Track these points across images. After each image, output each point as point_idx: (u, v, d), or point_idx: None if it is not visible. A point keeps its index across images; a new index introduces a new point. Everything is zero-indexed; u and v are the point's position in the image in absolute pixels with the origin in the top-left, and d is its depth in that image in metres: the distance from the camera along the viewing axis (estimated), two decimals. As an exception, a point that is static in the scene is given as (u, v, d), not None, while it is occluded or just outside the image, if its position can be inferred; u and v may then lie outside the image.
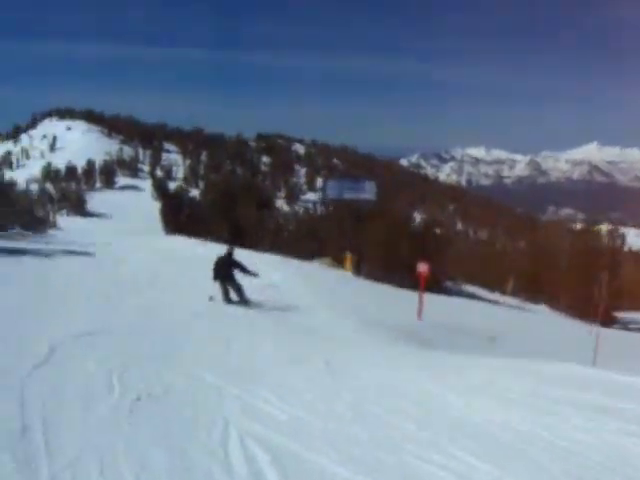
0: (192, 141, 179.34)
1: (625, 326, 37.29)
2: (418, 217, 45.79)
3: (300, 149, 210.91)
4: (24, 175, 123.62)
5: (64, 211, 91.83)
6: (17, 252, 24.08)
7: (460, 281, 39.43)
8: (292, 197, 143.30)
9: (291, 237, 43.27)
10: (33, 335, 10.71)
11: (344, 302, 20.15)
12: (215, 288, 18.35)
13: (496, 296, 39.39)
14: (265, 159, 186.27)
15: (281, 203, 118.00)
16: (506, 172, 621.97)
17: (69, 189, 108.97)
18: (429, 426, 7.01)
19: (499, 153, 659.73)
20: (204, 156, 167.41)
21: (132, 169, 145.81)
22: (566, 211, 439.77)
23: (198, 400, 7.76)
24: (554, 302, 41.40)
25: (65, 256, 25.62)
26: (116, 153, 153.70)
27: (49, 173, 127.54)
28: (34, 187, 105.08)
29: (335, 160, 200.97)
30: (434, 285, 33.86)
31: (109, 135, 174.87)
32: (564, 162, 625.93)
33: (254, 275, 18.80)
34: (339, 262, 36.21)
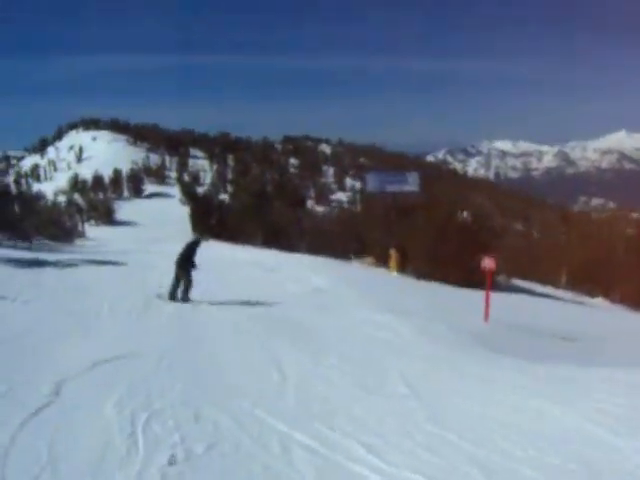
0: (218, 146, 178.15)
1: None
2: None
3: (327, 149, 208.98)
4: (52, 187, 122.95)
5: (92, 221, 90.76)
6: (38, 263, 22.09)
7: (508, 276, 36.78)
8: (322, 197, 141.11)
9: (328, 236, 40.91)
10: (37, 366, 8.48)
11: (399, 305, 17.74)
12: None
13: (550, 290, 36.74)
14: (292, 161, 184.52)
15: (311, 204, 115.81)
16: (534, 164, 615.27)
17: (97, 199, 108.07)
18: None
19: (526, 145, 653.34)
20: (231, 160, 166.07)
21: (159, 176, 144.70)
22: (597, 201, 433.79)
23: (255, 458, 5.43)
24: (610, 295, 38.67)
25: (89, 266, 23.59)
26: (142, 161, 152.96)
27: (76, 184, 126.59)
28: (62, 199, 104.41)
29: (362, 159, 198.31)
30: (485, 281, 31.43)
31: (135, 144, 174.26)
32: (592, 151, 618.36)
33: (194, 267, 17.14)
34: (381, 260, 33.86)
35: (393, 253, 31.12)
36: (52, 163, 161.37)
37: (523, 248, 47.29)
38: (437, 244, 31.08)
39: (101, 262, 25.18)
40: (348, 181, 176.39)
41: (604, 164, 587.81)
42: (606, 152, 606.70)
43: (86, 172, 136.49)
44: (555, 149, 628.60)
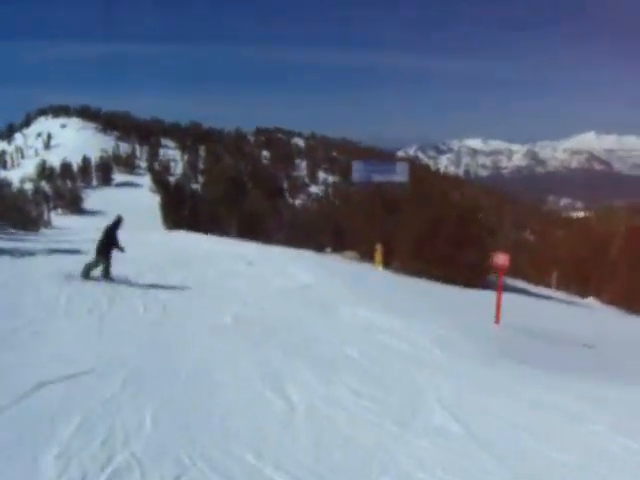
0: (190, 136, 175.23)
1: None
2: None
3: (300, 142, 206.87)
4: (19, 174, 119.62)
5: (59, 210, 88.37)
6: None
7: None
8: (295, 190, 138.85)
9: (307, 229, 38.84)
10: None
11: (398, 306, 15.79)
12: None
13: (542, 290, 35.04)
14: (265, 153, 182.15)
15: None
16: (504, 162, 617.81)
17: (65, 187, 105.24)
18: None
19: (496, 144, 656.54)
20: (202, 151, 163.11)
21: (129, 166, 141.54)
22: (565, 200, 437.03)
23: None
24: (600, 295, 37.13)
25: (50, 255, 21.37)
26: (112, 150, 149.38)
27: (44, 171, 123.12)
28: (29, 186, 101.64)
29: (335, 153, 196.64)
30: (478, 280, 29.59)
31: (105, 132, 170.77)
32: (562, 151, 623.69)
33: (122, 250, 16.71)
34: (364, 255, 31.87)
35: (379, 248, 29.09)
36: (19, 150, 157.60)
37: (509, 246, 45.55)
38: (426, 239, 29.17)
39: (63, 251, 22.96)
40: (321, 175, 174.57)
41: (573, 164, 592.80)
42: (575, 152, 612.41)
43: (54, 160, 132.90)
44: (525, 148, 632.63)
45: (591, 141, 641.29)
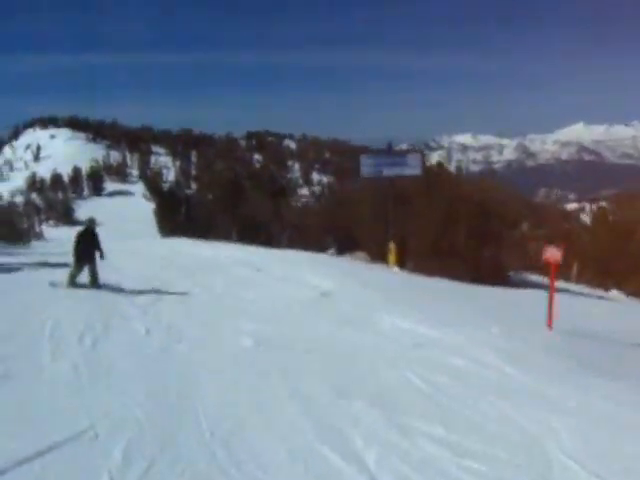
0: (181, 142, 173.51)
1: None
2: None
3: (291, 144, 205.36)
4: (9, 187, 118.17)
5: (51, 221, 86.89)
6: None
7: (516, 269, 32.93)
8: (290, 192, 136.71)
9: (311, 230, 36.73)
10: None
11: (437, 312, 13.65)
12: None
13: (563, 284, 33.05)
14: (257, 156, 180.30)
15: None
16: (495, 157, 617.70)
17: (56, 198, 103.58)
18: None
19: (486, 139, 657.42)
20: (194, 157, 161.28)
21: (120, 174, 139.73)
22: (557, 192, 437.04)
23: None
24: (622, 287, 35.15)
25: (39, 270, 19.43)
26: (103, 159, 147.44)
27: (34, 183, 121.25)
28: (19, 199, 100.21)
29: (328, 154, 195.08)
30: (501, 277, 27.61)
31: (94, 141, 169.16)
32: (552, 143, 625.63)
33: (102, 256, 16.11)
34: (375, 255, 29.86)
35: (392, 246, 27.04)
36: (8, 163, 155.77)
37: (520, 239, 43.54)
38: (443, 235, 27.17)
39: (53, 265, 20.93)
40: (315, 176, 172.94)
41: (563, 156, 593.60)
42: (565, 144, 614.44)
43: (44, 171, 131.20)
44: (515, 142, 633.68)
45: (580, 132, 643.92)
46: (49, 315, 11.62)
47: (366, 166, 27.55)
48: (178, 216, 41.72)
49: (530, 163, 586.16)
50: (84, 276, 15.83)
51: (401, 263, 27.24)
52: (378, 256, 29.47)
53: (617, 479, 5.15)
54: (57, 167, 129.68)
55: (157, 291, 15.36)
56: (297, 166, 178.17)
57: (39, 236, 62.41)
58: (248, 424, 6.54)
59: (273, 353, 9.53)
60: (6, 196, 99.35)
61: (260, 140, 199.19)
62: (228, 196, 37.07)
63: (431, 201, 27.53)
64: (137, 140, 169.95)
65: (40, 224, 77.79)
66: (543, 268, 38.24)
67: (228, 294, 15.18)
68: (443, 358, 9.39)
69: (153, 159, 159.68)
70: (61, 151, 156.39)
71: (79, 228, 16.86)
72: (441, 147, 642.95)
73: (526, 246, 34.59)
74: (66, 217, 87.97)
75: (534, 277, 32.96)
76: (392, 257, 26.99)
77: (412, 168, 27.18)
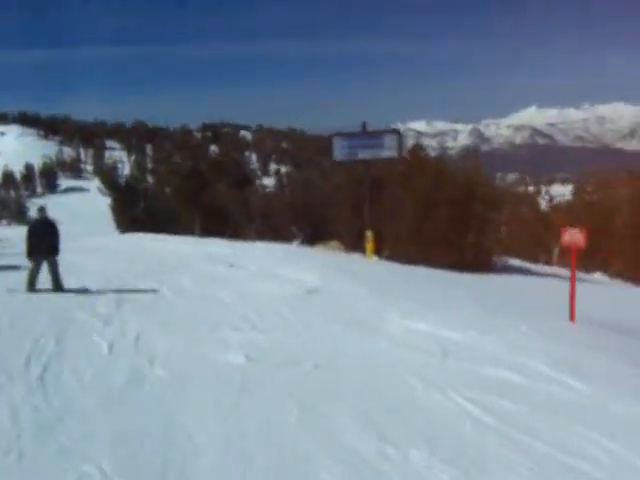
0: (135, 136, 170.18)
1: None
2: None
3: (247, 135, 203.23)
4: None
5: (4, 220, 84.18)
6: None
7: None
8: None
9: (280, 219, 34.80)
10: None
11: (447, 309, 11.77)
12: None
13: (546, 268, 31.65)
14: (213, 148, 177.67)
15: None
16: (450, 143, 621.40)
17: (8, 197, 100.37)
18: None
19: (441, 125, 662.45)
20: (149, 150, 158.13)
21: (75, 170, 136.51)
22: (512, 176, 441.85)
23: None
24: (605, 269, 33.94)
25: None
26: (56, 155, 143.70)
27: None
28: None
29: (284, 144, 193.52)
30: (483, 262, 25.97)
31: (46, 137, 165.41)
32: (506, 128, 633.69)
33: (57, 251, 13.93)
34: (348, 244, 28.05)
35: (370, 235, 25.18)
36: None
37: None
38: (422, 220, 25.43)
39: (5, 267, 18.74)
40: (272, 166, 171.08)
41: (517, 140, 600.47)
42: (519, 128, 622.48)
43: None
44: (469, 127, 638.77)
45: (533, 116, 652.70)
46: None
47: (340, 148, 25.50)
48: (136, 210, 39.50)
49: (485, 148, 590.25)
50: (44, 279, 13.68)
51: (377, 251, 25.48)
52: (352, 245, 27.72)
53: None
54: (8, 164, 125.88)
55: (120, 294, 13.33)
56: (254, 157, 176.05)
57: (-10, 237, 59.78)
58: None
59: (274, 372, 7.59)
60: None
61: (216, 132, 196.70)
62: (189, 186, 34.86)
63: (410, 185, 25.75)
64: (91, 135, 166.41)
65: (-9, 224, 75.14)
66: (518, 252, 36.92)
67: (201, 295, 13.18)
68: (487, 371, 7.56)
69: (107, 154, 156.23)
70: (12, 148, 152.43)
71: (34, 223, 14.60)
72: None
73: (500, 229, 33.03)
74: (19, 216, 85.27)
75: (515, 261, 31.52)
76: (370, 246, 25.16)
77: (389, 150, 25.23)
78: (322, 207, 33.47)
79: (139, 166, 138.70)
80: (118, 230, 39.38)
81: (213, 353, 8.45)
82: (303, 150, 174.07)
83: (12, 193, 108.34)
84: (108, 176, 69.59)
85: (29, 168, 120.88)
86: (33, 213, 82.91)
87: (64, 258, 14.77)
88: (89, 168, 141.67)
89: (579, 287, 19.23)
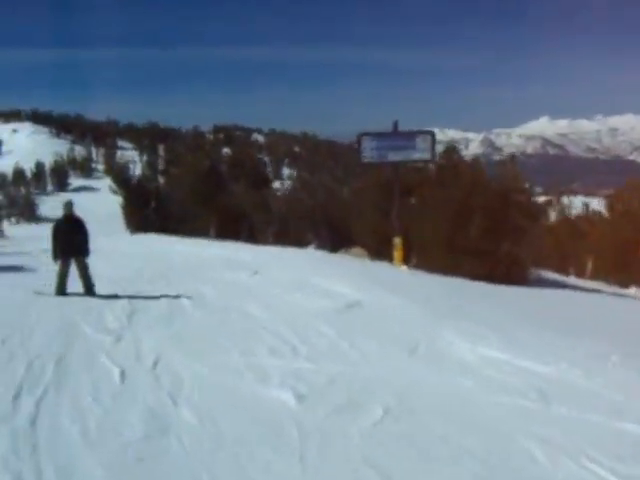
0: (147, 136, 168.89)
1: None
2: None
3: (259, 138, 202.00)
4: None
5: (13, 218, 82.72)
6: None
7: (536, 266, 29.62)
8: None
9: (299, 223, 33.13)
10: None
11: (510, 331, 9.99)
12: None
13: (582, 282, 29.87)
14: (226, 150, 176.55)
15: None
16: (462, 151, 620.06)
17: (18, 194, 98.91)
18: None
19: (453, 133, 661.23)
20: (161, 151, 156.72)
21: (85, 169, 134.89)
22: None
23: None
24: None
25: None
26: (67, 153, 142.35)
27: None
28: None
29: (297, 148, 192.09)
30: (518, 274, 24.27)
31: (58, 135, 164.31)
32: (517, 137, 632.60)
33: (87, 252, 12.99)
34: (372, 251, 26.42)
35: (399, 242, 23.46)
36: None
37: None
38: (454, 229, 23.74)
39: (6, 267, 17.18)
40: (285, 170, 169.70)
41: (529, 150, 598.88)
42: (530, 138, 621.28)
43: (6, 166, 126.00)
44: (481, 136, 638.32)
45: (545, 126, 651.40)
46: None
47: (368, 150, 23.68)
48: (148, 210, 37.97)
49: (496, 157, 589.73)
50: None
51: (405, 260, 23.81)
52: (376, 252, 26.09)
53: None
54: (19, 162, 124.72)
55: (131, 303, 11.69)
56: (266, 160, 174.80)
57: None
58: None
59: (336, 421, 5.84)
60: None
61: (228, 134, 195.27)
62: (206, 186, 33.21)
63: (443, 190, 24.06)
64: (102, 134, 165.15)
65: (1, 221, 73.69)
66: (543, 263, 35.13)
67: (225, 307, 11.49)
68: (613, 425, 5.81)
69: (119, 153, 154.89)
70: (24, 146, 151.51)
71: (59, 220, 13.30)
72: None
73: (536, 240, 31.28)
74: (29, 213, 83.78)
75: (549, 274, 29.81)
76: (398, 254, 23.46)
77: (422, 152, 23.52)
78: (342, 212, 31.92)
79: (150, 166, 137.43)
80: (129, 230, 37.89)
81: (252, 387, 6.74)
82: (316, 154, 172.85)
83: (22, 190, 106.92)
84: (119, 174, 68.16)
85: (40, 166, 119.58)
86: (43, 211, 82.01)
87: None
88: (100, 167, 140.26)
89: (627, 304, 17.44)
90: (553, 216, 63.98)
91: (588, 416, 6.01)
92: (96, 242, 25.90)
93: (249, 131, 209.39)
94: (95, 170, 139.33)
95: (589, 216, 46.24)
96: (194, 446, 5.26)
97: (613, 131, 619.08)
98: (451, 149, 27.62)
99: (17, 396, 6.20)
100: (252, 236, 30.22)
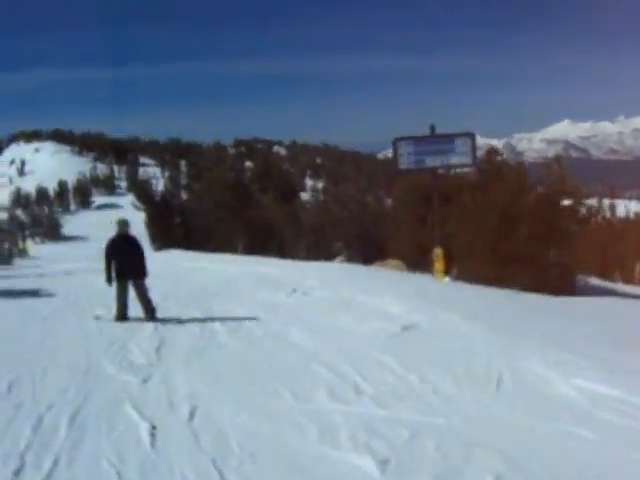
0: (169, 152, 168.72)
1: None
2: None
3: (281, 151, 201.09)
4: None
5: (37, 237, 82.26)
6: None
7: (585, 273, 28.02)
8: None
9: (330, 236, 31.80)
10: None
11: (591, 353, 8.53)
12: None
13: (628, 288, 28.29)
14: (248, 164, 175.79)
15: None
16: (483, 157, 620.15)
17: (41, 213, 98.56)
18: None
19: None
20: (183, 166, 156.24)
21: (108, 187, 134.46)
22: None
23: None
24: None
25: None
26: (89, 171, 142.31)
27: (19, 199, 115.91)
28: (3, 215, 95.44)
29: (319, 159, 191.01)
30: (570, 285, 22.79)
31: (80, 154, 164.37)
32: (539, 142, 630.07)
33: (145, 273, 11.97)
34: (410, 263, 25.01)
35: (439, 252, 21.96)
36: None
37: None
38: (499, 236, 22.24)
39: (19, 293, 15.86)
40: (308, 182, 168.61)
41: (551, 154, 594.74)
42: (552, 142, 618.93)
43: (30, 186, 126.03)
44: (503, 141, 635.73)
45: (566, 130, 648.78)
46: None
47: (405, 155, 22.15)
48: (172, 226, 36.79)
49: (518, 162, 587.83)
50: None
51: (446, 271, 22.32)
52: (413, 264, 24.70)
53: None
54: (42, 181, 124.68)
55: (158, 330, 10.39)
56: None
57: (23, 254, 58.05)
58: None
59: None
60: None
61: (250, 147, 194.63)
62: (232, 198, 31.89)
63: (486, 196, 22.57)
64: (124, 151, 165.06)
65: (24, 241, 73.10)
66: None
67: (265, 333, 10.13)
68: None
69: (141, 170, 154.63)
70: (46, 165, 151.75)
71: (114, 237, 12.14)
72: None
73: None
74: (53, 233, 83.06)
75: (593, 280, 28.22)
76: (440, 265, 21.96)
77: (462, 156, 21.99)
78: (375, 222, 30.57)
79: (173, 182, 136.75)
80: (153, 247, 36.67)
81: (318, 449, 5.30)
82: (339, 165, 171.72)
83: (45, 209, 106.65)
84: (142, 190, 67.18)
85: (63, 185, 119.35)
86: (67, 230, 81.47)
87: (90, 281, 11.99)
88: (123, 184, 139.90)
89: None
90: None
91: None
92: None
93: (270, 144, 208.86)
94: (118, 187, 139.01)
95: (629, 219, 44.59)
96: None
97: (636, 132, 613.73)
98: (493, 152, 26.00)
99: (18, 472, 4.83)
100: (282, 250, 28.88)
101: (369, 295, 13.14)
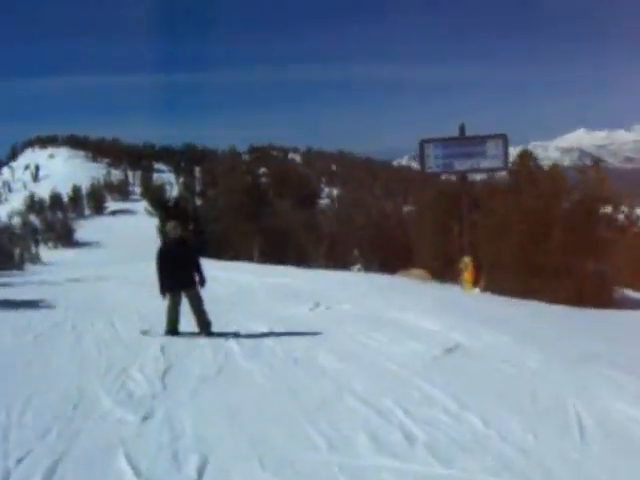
0: (183, 158, 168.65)
1: None
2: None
3: (296, 158, 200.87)
4: (7, 209, 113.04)
5: (50, 243, 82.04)
6: None
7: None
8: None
9: (350, 243, 30.56)
10: None
11: None
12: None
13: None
14: (263, 170, 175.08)
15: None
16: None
17: (55, 219, 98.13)
18: None
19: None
20: (197, 173, 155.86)
21: (122, 192, 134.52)
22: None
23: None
24: None
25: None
26: (103, 177, 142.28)
27: (33, 204, 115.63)
28: (17, 220, 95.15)
29: (334, 166, 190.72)
30: (607, 296, 21.44)
31: (95, 159, 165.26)
32: (554, 150, 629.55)
33: (204, 282, 10.78)
34: (434, 273, 23.81)
35: (469, 262, 20.62)
36: (7, 184, 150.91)
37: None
38: (531, 246, 20.96)
39: (17, 304, 14.65)
40: (323, 188, 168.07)
41: (566, 162, 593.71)
42: (567, 150, 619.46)
43: (44, 191, 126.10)
44: (518, 149, 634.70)
45: (582, 138, 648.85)
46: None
47: (432, 158, 20.75)
48: (186, 232, 35.68)
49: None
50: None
51: (475, 282, 21.00)
52: (437, 274, 23.47)
53: None
54: (56, 187, 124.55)
55: (163, 351, 9.12)
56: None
57: (35, 259, 57.40)
58: None
59: None
60: (4, 218, 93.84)
61: (264, 154, 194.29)
62: (248, 203, 30.64)
63: (518, 202, 21.24)
64: (139, 157, 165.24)
65: (37, 246, 72.55)
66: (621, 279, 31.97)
67: (290, 358, 8.76)
68: None
69: (155, 176, 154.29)
70: (61, 170, 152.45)
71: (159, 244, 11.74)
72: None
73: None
74: (66, 238, 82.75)
75: (630, 292, 26.80)
76: (468, 275, 20.62)
77: (493, 159, 20.63)
78: (396, 230, 29.32)
79: (187, 188, 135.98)
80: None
81: None
82: (354, 172, 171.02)
83: (59, 215, 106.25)
84: (156, 194, 66.43)
85: (77, 190, 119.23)
86: (80, 235, 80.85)
87: (98, 289, 10.73)
88: (137, 190, 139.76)
89: None
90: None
91: None
92: (130, 269, 23.73)
93: (285, 150, 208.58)
94: (132, 193, 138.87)
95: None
96: None
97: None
98: (526, 155, 24.62)
99: None
100: (301, 258, 27.63)
101: (399, 310, 11.88)
